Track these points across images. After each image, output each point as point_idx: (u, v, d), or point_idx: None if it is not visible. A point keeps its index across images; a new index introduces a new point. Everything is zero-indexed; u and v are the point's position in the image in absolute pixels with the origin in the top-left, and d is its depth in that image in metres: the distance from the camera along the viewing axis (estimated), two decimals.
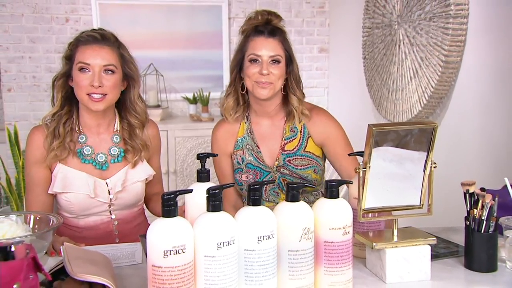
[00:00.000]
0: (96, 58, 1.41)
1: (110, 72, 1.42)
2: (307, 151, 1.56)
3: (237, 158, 1.59)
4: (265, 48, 1.50)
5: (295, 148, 1.57)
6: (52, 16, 3.36)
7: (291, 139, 1.57)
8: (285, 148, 1.57)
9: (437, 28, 2.09)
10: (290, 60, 1.54)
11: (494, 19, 1.89)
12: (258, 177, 1.56)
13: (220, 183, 1.65)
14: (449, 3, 2.01)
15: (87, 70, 1.41)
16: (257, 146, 1.58)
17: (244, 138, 1.59)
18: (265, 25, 1.52)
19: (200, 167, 1.15)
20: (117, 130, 1.53)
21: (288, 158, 1.56)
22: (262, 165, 1.57)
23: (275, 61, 1.50)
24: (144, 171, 1.54)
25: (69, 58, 1.45)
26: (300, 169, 1.55)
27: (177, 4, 3.50)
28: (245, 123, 1.60)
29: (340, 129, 1.60)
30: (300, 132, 1.57)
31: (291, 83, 1.54)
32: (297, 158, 1.56)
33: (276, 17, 1.54)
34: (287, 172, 1.56)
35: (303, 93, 1.58)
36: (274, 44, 1.50)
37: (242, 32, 1.57)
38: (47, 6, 3.35)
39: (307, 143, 1.57)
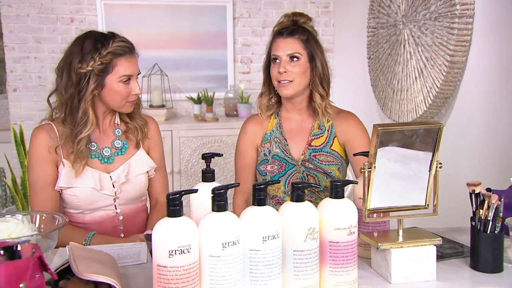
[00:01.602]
0: (135, 68, 1.49)
1: (137, 78, 1.51)
2: (333, 150, 1.61)
3: (264, 150, 1.64)
4: (282, 47, 1.57)
5: (321, 144, 1.61)
6: (58, 16, 3.38)
7: (318, 136, 1.62)
8: (312, 144, 1.62)
9: (442, 28, 2.08)
10: (313, 57, 1.57)
11: (500, 18, 1.88)
12: (283, 169, 1.60)
13: (238, 174, 1.69)
14: (454, 2, 2.00)
15: (128, 81, 1.46)
16: (285, 140, 1.63)
17: (273, 132, 1.65)
18: (289, 26, 1.59)
19: (205, 167, 1.15)
20: (118, 124, 1.57)
21: (314, 153, 1.60)
22: (288, 157, 1.61)
23: (294, 58, 1.56)
24: (146, 163, 1.58)
25: (103, 70, 1.43)
26: (325, 164, 1.59)
27: (181, 4, 3.50)
28: (275, 118, 1.67)
29: (365, 134, 1.64)
30: (328, 130, 1.62)
31: (314, 80, 1.59)
32: (323, 154, 1.60)
33: (302, 17, 1.61)
34: (312, 166, 1.59)
35: (327, 91, 1.61)
36: (292, 42, 1.56)
37: (272, 34, 1.64)
38: (52, 6, 3.36)
39: (333, 142, 1.62)
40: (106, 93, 1.46)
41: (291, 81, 1.55)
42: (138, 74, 1.52)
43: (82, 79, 1.42)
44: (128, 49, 1.47)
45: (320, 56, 1.59)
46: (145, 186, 1.59)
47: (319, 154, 1.60)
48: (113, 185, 1.51)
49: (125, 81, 1.46)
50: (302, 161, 1.60)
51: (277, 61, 1.57)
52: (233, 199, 1.67)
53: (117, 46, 1.44)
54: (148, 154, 1.60)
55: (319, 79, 1.59)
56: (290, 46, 1.56)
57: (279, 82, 1.57)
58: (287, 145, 1.62)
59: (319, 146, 1.61)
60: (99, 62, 1.41)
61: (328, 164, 1.59)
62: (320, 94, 1.59)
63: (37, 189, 1.47)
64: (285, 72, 1.54)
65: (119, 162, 1.53)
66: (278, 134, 1.64)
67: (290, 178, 1.60)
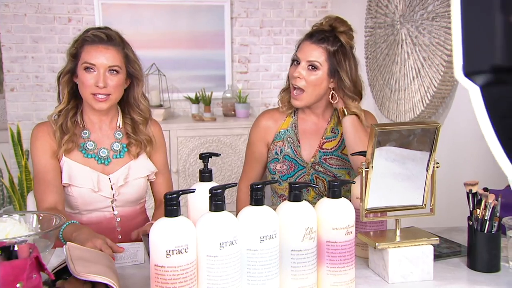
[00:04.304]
0: (101, 58, 1.42)
1: (114, 72, 1.45)
2: (344, 154, 1.58)
3: (276, 149, 1.62)
4: (305, 51, 1.51)
5: (333, 148, 1.59)
6: (55, 16, 3.37)
7: (330, 139, 1.60)
8: (323, 147, 1.60)
9: (440, 28, 2.09)
10: (335, 71, 1.51)
11: None
12: (292, 169, 1.59)
13: (245, 162, 1.70)
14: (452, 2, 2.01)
15: (92, 70, 1.43)
16: (298, 141, 1.62)
17: (287, 131, 1.62)
18: (324, 31, 1.51)
19: (202, 167, 1.15)
20: (119, 127, 1.56)
21: (325, 157, 1.59)
22: (299, 159, 1.60)
23: (312, 67, 1.51)
24: (146, 168, 1.56)
25: (75, 55, 1.46)
26: (335, 168, 1.57)
27: (179, 4, 3.50)
28: (292, 117, 1.64)
29: None
30: (341, 134, 1.60)
31: (339, 95, 1.53)
32: (334, 158, 1.59)
33: (341, 24, 1.52)
34: (322, 169, 1.58)
35: (356, 100, 1.54)
36: (317, 50, 1.50)
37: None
38: (49, 6, 3.35)
39: (345, 146, 1.58)
40: (78, 82, 1.47)
41: (302, 90, 1.51)
42: (113, 69, 1.44)
43: (67, 61, 1.49)
44: (99, 39, 1.43)
45: (347, 70, 1.50)
46: (144, 190, 1.58)
47: (329, 158, 1.58)
48: (111, 187, 1.50)
49: (87, 68, 1.43)
50: (312, 163, 1.59)
51: (297, 63, 1.53)
52: (238, 183, 1.70)
53: (90, 34, 1.44)
54: (151, 157, 1.59)
55: (347, 96, 1.51)
56: (312, 53, 1.50)
57: (293, 90, 1.53)
58: (299, 146, 1.61)
59: (331, 149, 1.59)
60: (73, 47, 1.46)
61: (338, 168, 1.57)
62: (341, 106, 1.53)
63: (41, 179, 1.47)
64: (299, 77, 1.51)
65: (118, 164, 1.52)
66: (292, 134, 1.62)
67: (299, 179, 1.58)
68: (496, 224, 1.13)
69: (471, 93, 0.45)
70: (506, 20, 0.43)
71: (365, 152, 1.09)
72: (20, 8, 3.32)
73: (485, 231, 1.14)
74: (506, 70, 0.45)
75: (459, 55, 0.45)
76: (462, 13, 0.43)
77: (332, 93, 1.54)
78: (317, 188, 1.58)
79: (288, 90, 1.61)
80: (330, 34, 1.51)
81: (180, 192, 0.90)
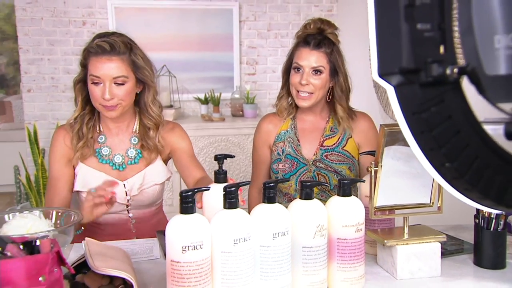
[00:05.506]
0: (105, 70, 1.38)
1: (120, 82, 1.40)
2: (345, 150, 1.62)
3: (278, 150, 1.66)
4: (307, 59, 1.55)
5: (334, 144, 1.63)
6: (70, 19, 3.43)
7: (330, 137, 1.64)
8: (324, 144, 1.63)
9: None
10: (335, 71, 1.57)
11: None
12: (294, 167, 1.62)
13: (253, 167, 1.74)
14: None
15: (98, 82, 1.40)
16: (298, 140, 1.65)
17: (287, 132, 1.66)
18: (316, 35, 1.56)
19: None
20: (136, 131, 1.53)
21: (326, 153, 1.62)
22: (300, 157, 1.63)
23: (317, 72, 1.55)
24: (162, 174, 1.54)
25: (84, 66, 1.44)
26: (336, 163, 1.60)
27: (190, 7, 3.54)
28: (291, 119, 1.68)
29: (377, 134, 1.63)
30: (340, 133, 1.63)
31: (336, 93, 1.59)
32: (335, 154, 1.62)
33: (329, 26, 1.58)
34: (323, 166, 1.60)
35: (347, 102, 1.61)
36: (318, 55, 1.54)
37: (296, 38, 1.62)
38: (65, 10, 3.41)
39: (346, 143, 1.62)
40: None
41: (311, 93, 1.55)
42: (118, 79, 1.39)
43: (80, 68, 1.46)
44: (101, 50, 1.38)
45: (342, 69, 1.58)
46: (160, 194, 1.57)
47: (330, 154, 1.61)
48: (126, 193, 1.50)
49: (94, 82, 1.39)
50: (313, 161, 1.61)
51: (300, 70, 1.56)
52: (249, 190, 1.75)
53: (94, 45, 1.39)
54: (176, 151, 1.55)
55: (341, 91, 1.58)
56: (315, 59, 1.54)
57: (297, 91, 1.57)
58: (299, 145, 1.64)
59: (332, 146, 1.62)
60: (82, 58, 1.44)
61: (339, 163, 1.60)
62: (343, 107, 1.59)
63: (52, 185, 1.49)
64: (307, 84, 1.54)
65: (133, 170, 1.51)
66: (292, 134, 1.65)
67: (301, 176, 1.61)
68: (502, 222, 1.15)
69: (388, 92, 0.54)
70: (409, 28, 0.51)
71: (374, 151, 1.12)
72: (37, 12, 3.38)
73: (491, 229, 1.15)
74: (411, 72, 0.52)
75: (374, 58, 0.53)
76: (376, 20, 0.52)
77: (330, 90, 1.60)
78: (321, 187, 1.61)
79: (284, 97, 1.65)
80: (322, 37, 1.56)
81: (195, 190, 0.92)
